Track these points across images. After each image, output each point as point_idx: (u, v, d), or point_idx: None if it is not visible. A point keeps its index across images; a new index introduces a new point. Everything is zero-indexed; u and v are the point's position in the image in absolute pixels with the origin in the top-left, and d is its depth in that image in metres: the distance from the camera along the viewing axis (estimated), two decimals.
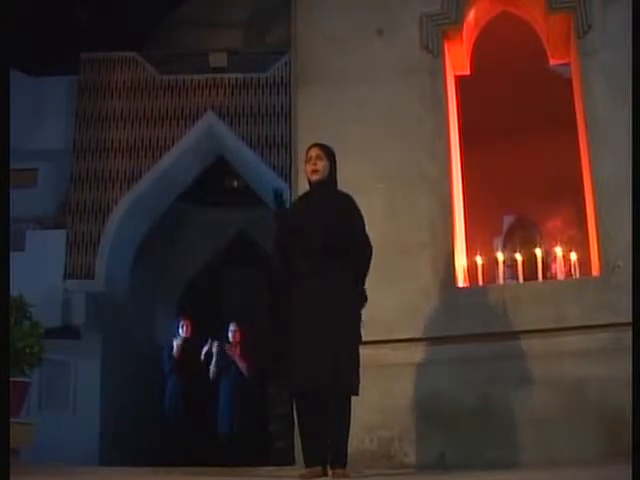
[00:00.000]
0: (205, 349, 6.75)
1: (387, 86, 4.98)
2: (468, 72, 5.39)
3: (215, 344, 6.72)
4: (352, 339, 3.30)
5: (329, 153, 3.53)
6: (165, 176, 7.28)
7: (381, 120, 4.94)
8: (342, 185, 3.59)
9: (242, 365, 6.73)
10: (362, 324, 3.37)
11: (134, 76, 7.31)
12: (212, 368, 6.73)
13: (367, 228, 3.49)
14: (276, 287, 3.46)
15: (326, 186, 3.46)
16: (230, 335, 6.86)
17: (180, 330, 6.95)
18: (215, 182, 8.69)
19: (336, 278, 3.27)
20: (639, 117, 3.37)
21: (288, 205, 3.53)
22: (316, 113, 5.02)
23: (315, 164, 3.46)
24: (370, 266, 3.41)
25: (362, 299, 3.40)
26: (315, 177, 3.46)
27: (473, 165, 5.63)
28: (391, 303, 4.57)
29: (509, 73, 6.07)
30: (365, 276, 3.41)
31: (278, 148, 7.03)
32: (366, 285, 3.43)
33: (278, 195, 3.34)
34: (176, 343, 6.88)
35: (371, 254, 3.42)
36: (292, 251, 3.34)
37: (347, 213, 3.39)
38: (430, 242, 4.72)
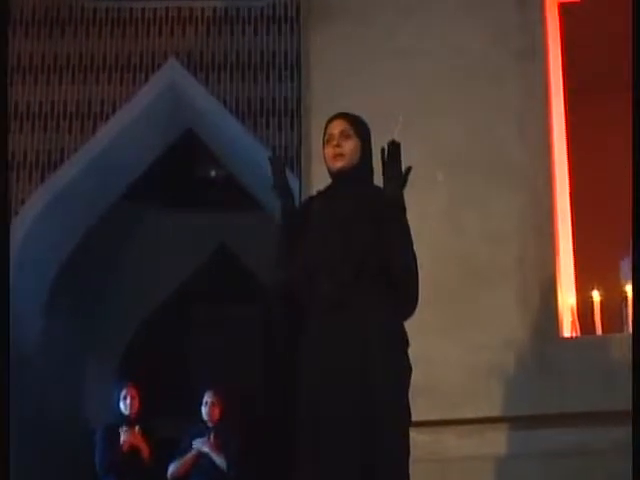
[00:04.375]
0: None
1: (449, 23, 5.02)
2: None
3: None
4: (396, 417, 3.30)
5: (361, 128, 3.56)
6: (103, 160, 7.34)
7: (438, 76, 4.98)
8: (377, 176, 3.57)
9: (220, 457, 6.76)
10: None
11: (51, 2, 7.42)
12: (172, 466, 6.77)
13: (416, 244, 3.51)
14: (278, 330, 3.53)
15: (356, 178, 3.51)
16: (204, 411, 6.89)
17: (122, 404, 6.98)
18: (182, 170, 8.77)
19: (368, 318, 3.33)
20: (639, 116, 3.66)
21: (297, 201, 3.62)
22: (339, 65, 5.06)
23: (339, 145, 3.49)
24: (415, 307, 3.45)
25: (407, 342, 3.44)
26: (339, 164, 3.49)
27: (586, 144, 5.63)
28: (455, 362, 4.59)
29: None
30: (411, 314, 3.46)
31: (280, 118, 7.08)
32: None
33: (277, 163, 3.50)
34: (117, 424, 6.92)
35: (416, 288, 3.45)
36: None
37: (388, 221, 3.43)
38: (517, 266, 4.74)
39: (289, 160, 6.66)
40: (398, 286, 3.39)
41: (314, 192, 3.77)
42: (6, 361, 3.49)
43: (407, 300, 3.42)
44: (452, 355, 4.58)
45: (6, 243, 3.35)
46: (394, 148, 3.42)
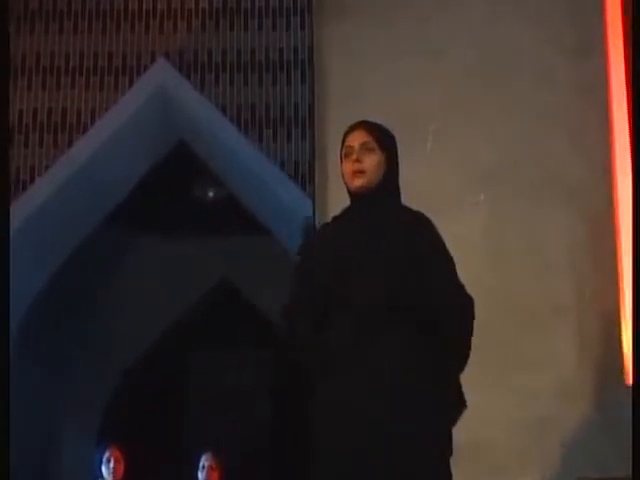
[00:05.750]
0: None
1: (483, 16, 5.05)
2: None
3: None
4: None
5: (385, 139, 3.58)
6: (80, 180, 7.35)
7: (475, 77, 5.00)
8: (405, 197, 3.60)
9: None
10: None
11: None
12: None
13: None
14: (292, 384, 3.53)
15: (379, 199, 3.54)
16: (201, 477, 6.91)
17: (104, 469, 6.99)
18: (173, 190, 8.78)
19: (398, 366, 3.32)
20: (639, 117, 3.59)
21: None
22: (357, 67, 5.07)
23: (359, 160, 3.50)
24: (469, 348, 3.42)
25: (456, 406, 3.40)
26: (359, 182, 3.51)
27: None
28: (501, 416, 4.59)
29: None
30: (460, 367, 3.44)
31: (289, 127, 7.08)
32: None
33: (309, 228, 3.46)
34: None
35: (469, 327, 3.43)
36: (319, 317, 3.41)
37: (420, 249, 3.43)
38: (574, 303, 4.74)
39: (301, 177, 6.67)
40: (444, 336, 3.35)
41: (330, 216, 3.78)
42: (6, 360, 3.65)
43: (456, 351, 3.37)
44: (497, 407, 4.57)
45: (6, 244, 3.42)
46: None
